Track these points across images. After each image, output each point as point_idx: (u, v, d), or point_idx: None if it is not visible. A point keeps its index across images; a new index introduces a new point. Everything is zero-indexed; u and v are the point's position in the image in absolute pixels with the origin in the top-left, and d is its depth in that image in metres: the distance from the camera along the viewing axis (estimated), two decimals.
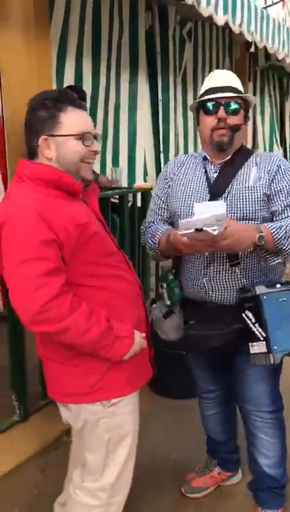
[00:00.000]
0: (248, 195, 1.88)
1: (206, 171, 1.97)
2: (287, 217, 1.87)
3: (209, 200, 1.89)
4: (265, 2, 4.75)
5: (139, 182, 3.45)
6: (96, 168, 4.51)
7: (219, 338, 1.90)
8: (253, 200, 1.87)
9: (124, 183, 4.55)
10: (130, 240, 3.12)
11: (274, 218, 1.90)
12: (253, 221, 1.86)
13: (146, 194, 3.29)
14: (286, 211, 1.88)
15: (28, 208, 1.45)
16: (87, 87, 4.37)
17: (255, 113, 6.74)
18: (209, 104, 1.88)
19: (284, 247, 1.81)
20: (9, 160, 2.87)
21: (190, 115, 5.79)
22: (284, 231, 1.80)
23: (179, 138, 5.61)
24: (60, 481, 1.96)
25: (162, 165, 5.33)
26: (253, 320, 1.82)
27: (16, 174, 1.60)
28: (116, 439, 1.68)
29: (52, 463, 2.42)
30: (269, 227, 1.80)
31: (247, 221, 1.86)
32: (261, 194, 1.87)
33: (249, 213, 1.87)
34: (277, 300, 1.83)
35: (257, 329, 1.81)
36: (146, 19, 4.88)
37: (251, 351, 1.83)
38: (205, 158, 2.00)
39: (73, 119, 1.55)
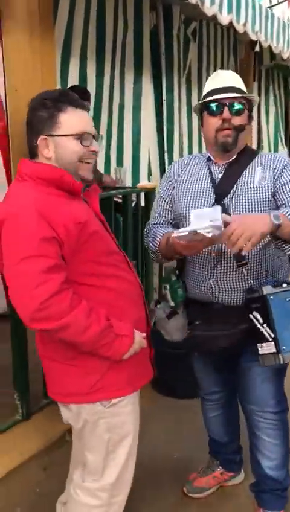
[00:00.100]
0: (254, 196, 1.87)
1: (210, 172, 1.97)
2: None
3: (215, 201, 1.88)
4: (270, 2, 4.73)
5: (143, 182, 3.45)
6: (101, 167, 4.52)
7: (225, 339, 1.89)
8: (259, 200, 1.87)
9: (128, 182, 4.55)
10: (133, 240, 3.12)
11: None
12: None
13: (149, 193, 3.29)
14: None
15: (29, 206, 1.46)
16: (91, 87, 4.37)
17: (260, 113, 6.72)
18: (214, 105, 1.87)
19: None
20: (13, 159, 2.88)
21: (195, 114, 5.78)
22: None
23: (183, 138, 5.61)
24: (62, 480, 1.97)
25: (166, 165, 5.33)
26: (261, 321, 1.81)
27: (17, 174, 1.61)
28: (117, 439, 1.68)
29: (55, 462, 2.43)
30: (282, 211, 1.75)
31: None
32: (267, 194, 1.87)
33: (255, 213, 1.85)
34: (284, 300, 1.81)
35: (265, 330, 1.80)
36: (151, 18, 4.88)
37: (260, 352, 1.82)
38: (209, 159, 1.99)
39: (72, 119, 1.56)
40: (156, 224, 2.10)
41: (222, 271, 1.89)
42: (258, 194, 1.87)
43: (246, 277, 1.87)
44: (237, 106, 1.87)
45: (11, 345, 2.39)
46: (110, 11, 4.39)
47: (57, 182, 1.54)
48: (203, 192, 1.94)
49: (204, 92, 1.95)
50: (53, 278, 1.43)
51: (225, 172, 1.94)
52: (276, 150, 7.18)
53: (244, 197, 1.87)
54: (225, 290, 1.90)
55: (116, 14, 4.48)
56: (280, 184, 1.87)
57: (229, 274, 1.88)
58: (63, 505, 1.87)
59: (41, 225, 1.44)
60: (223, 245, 1.83)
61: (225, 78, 1.94)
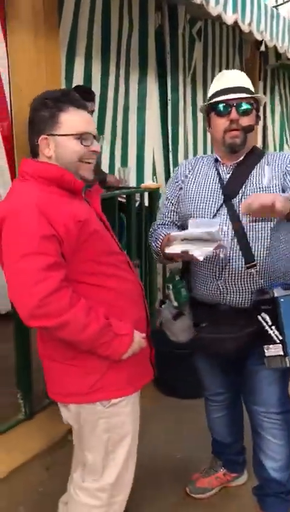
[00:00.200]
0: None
1: (218, 173, 1.95)
2: None
3: (223, 202, 1.87)
4: (276, 1, 4.72)
5: (147, 182, 3.45)
6: (105, 167, 4.52)
7: (232, 341, 1.88)
8: None
9: (133, 182, 4.56)
10: (137, 240, 3.12)
11: None
12: (269, 223, 1.84)
13: (153, 193, 3.28)
14: None
15: (29, 204, 1.46)
16: (96, 87, 4.38)
17: (265, 113, 6.71)
18: (221, 106, 1.85)
19: None
20: (17, 159, 2.89)
21: (200, 114, 5.77)
22: None
23: (188, 138, 5.61)
24: (65, 480, 1.96)
25: (171, 165, 5.33)
26: (269, 323, 1.80)
27: (19, 173, 1.62)
28: (116, 439, 1.68)
29: (58, 461, 2.43)
30: None
31: (262, 223, 1.84)
32: (277, 193, 1.83)
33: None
34: None
35: (273, 332, 1.79)
36: (156, 18, 4.88)
37: (266, 354, 1.81)
38: (216, 160, 1.98)
39: (73, 119, 1.56)
40: (160, 224, 2.09)
41: (231, 272, 1.86)
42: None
43: (255, 278, 1.85)
44: (244, 106, 1.85)
45: (14, 344, 2.39)
46: (115, 10, 4.39)
47: (58, 181, 1.55)
48: (211, 193, 1.93)
49: (210, 93, 1.93)
50: (52, 276, 1.44)
51: (233, 173, 1.92)
52: (281, 150, 7.17)
53: None
54: (233, 292, 1.88)
55: (121, 13, 4.48)
56: (288, 180, 1.84)
57: (238, 275, 1.86)
58: (65, 505, 1.87)
59: (42, 223, 1.44)
60: (231, 247, 1.83)
61: (231, 78, 1.91)
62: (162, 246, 1.96)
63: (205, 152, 5.95)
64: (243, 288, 1.87)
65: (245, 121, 1.86)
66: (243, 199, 1.85)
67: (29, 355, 2.41)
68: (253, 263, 1.83)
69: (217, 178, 1.94)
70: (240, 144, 1.87)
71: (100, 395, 1.61)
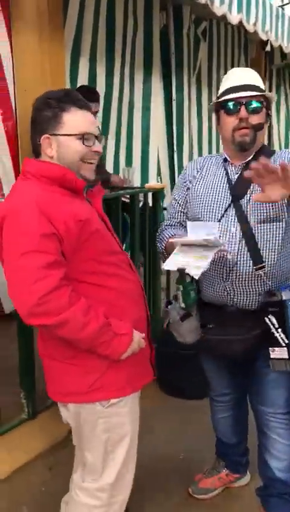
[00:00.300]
0: None
1: (227, 173, 1.93)
2: None
3: (231, 202, 1.85)
4: (282, 1, 4.71)
5: (151, 182, 3.45)
6: (110, 167, 4.53)
7: (239, 343, 1.86)
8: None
9: (137, 182, 4.56)
10: (140, 240, 3.12)
11: None
12: (277, 223, 1.82)
13: (157, 194, 3.28)
14: None
15: (30, 203, 1.47)
16: (100, 87, 4.38)
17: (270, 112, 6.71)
18: (230, 104, 1.83)
19: None
20: (22, 158, 2.90)
21: (204, 114, 5.79)
22: None
23: (193, 137, 5.60)
24: (67, 479, 1.96)
25: (176, 165, 5.33)
26: (276, 326, 1.79)
27: (21, 172, 1.63)
28: (115, 439, 1.68)
29: (61, 461, 2.43)
30: None
31: (270, 224, 1.82)
32: None
33: (272, 215, 1.81)
34: None
35: (279, 335, 1.78)
36: (161, 18, 4.88)
37: (271, 356, 1.80)
38: (225, 160, 1.96)
39: (75, 119, 1.56)
40: (168, 225, 2.09)
41: (238, 274, 1.84)
42: None
43: (263, 280, 1.83)
44: (254, 104, 1.82)
45: (18, 344, 2.40)
46: (120, 11, 4.40)
47: (60, 180, 1.55)
48: (218, 193, 1.91)
49: (220, 91, 1.92)
50: (52, 274, 1.44)
51: (241, 173, 1.89)
52: (287, 148, 7.15)
53: None
54: (241, 294, 1.86)
55: (126, 14, 4.48)
56: None
57: (246, 277, 1.84)
58: (67, 504, 1.88)
59: (42, 221, 1.45)
60: (239, 249, 1.81)
61: (241, 76, 1.89)
62: (166, 249, 1.96)
63: (210, 152, 5.94)
64: (251, 290, 1.85)
65: (255, 119, 1.83)
66: (250, 200, 1.83)
67: (32, 355, 2.41)
68: (262, 265, 1.81)
69: (226, 178, 1.92)
70: (249, 142, 1.84)
71: (99, 395, 1.61)
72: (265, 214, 1.82)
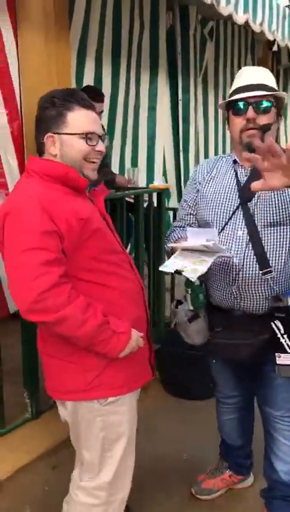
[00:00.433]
0: (278, 200, 1.79)
1: (236, 175, 1.90)
2: None
3: (239, 205, 1.84)
4: (289, 0, 4.69)
5: (156, 182, 3.45)
6: (115, 168, 4.53)
7: (246, 348, 1.85)
8: (284, 204, 1.79)
9: (143, 182, 4.56)
10: (145, 240, 3.12)
11: None
12: (285, 227, 1.79)
13: (162, 194, 3.28)
14: None
15: (32, 200, 1.48)
16: (106, 87, 4.39)
17: None
18: (238, 104, 1.80)
19: None
20: (27, 157, 2.90)
21: (211, 114, 5.78)
22: None
23: (199, 138, 5.60)
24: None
25: (182, 165, 5.33)
26: (282, 331, 1.78)
27: (24, 170, 1.64)
28: (113, 437, 1.69)
29: (64, 461, 2.43)
30: None
31: (278, 227, 1.79)
32: None
33: (280, 218, 1.79)
34: None
35: (285, 341, 1.77)
36: (167, 19, 4.89)
37: (277, 362, 1.79)
38: (235, 161, 1.93)
39: (79, 119, 1.57)
40: (177, 227, 2.08)
41: (245, 278, 1.82)
42: (284, 198, 1.79)
43: (270, 285, 1.81)
44: (262, 104, 1.77)
45: (21, 344, 2.40)
46: (126, 11, 4.40)
47: (63, 179, 1.56)
48: (227, 196, 1.89)
49: (230, 90, 1.89)
50: (52, 271, 1.45)
51: (250, 175, 1.86)
52: None
53: (269, 201, 1.80)
54: (248, 298, 1.85)
55: (132, 14, 4.49)
56: None
57: (252, 281, 1.82)
58: (68, 504, 1.88)
59: (44, 219, 1.46)
60: (245, 253, 1.80)
61: (250, 75, 1.85)
62: (173, 250, 1.95)
63: (216, 152, 5.94)
64: (257, 294, 1.83)
65: (263, 120, 1.78)
66: (259, 202, 1.81)
67: (36, 355, 2.42)
68: (269, 270, 1.79)
69: (235, 180, 1.89)
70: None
71: (97, 393, 1.62)
72: (273, 218, 1.79)
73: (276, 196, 1.80)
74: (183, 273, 1.64)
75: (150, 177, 4.93)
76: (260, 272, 1.79)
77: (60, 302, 1.45)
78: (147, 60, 4.77)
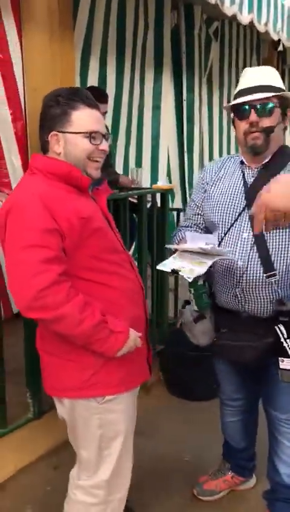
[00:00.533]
0: None
1: (244, 176, 1.89)
2: None
3: (245, 206, 1.83)
4: None
5: (159, 183, 3.45)
6: (119, 168, 4.53)
7: (251, 350, 1.84)
8: None
9: (147, 183, 4.55)
10: (148, 240, 3.11)
11: None
12: None
13: (165, 194, 3.28)
14: None
15: (34, 197, 1.49)
16: (111, 87, 4.39)
17: None
18: (240, 108, 1.79)
19: None
20: (31, 158, 2.90)
21: (215, 114, 5.77)
22: None
23: (203, 138, 5.59)
24: None
25: (186, 165, 5.32)
26: (285, 336, 1.77)
27: (28, 168, 1.65)
28: (110, 435, 1.69)
29: (65, 461, 2.43)
30: None
31: (283, 230, 1.77)
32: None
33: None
34: None
35: (288, 346, 1.76)
36: (171, 18, 4.88)
37: (281, 366, 1.79)
38: (242, 162, 1.92)
39: (84, 118, 1.58)
40: (184, 227, 2.08)
41: (249, 280, 1.81)
42: None
43: (274, 288, 1.80)
44: (264, 107, 1.76)
45: (24, 344, 2.40)
46: (130, 11, 4.40)
47: (66, 177, 1.57)
48: (233, 197, 1.88)
49: (234, 93, 1.88)
50: (52, 269, 1.46)
51: (257, 176, 1.86)
52: None
53: None
54: (251, 301, 1.84)
55: (136, 14, 4.48)
56: None
57: (256, 284, 1.81)
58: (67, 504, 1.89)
59: (45, 216, 1.47)
60: (250, 255, 1.79)
61: (252, 76, 1.83)
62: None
63: (220, 152, 5.93)
64: (261, 297, 1.82)
65: (266, 122, 1.77)
66: None
67: (38, 355, 2.42)
68: (273, 273, 1.77)
69: (242, 182, 1.88)
70: (261, 145, 1.80)
71: (95, 391, 1.63)
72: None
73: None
74: (180, 272, 1.64)
75: (154, 177, 4.93)
76: (264, 274, 1.78)
77: (59, 300, 1.46)
78: (151, 60, 4.76)
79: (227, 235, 1.86)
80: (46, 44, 2.87)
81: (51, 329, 1.56)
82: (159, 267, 1.73)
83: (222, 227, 1.88)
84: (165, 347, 3.31)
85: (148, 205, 3.20)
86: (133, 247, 3.85)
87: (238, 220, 1.85)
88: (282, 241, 1.78)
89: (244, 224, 1.83)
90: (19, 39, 3.15)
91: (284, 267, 1.79)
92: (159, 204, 3.28)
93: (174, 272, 1.66)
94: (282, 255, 1.79)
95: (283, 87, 1.83)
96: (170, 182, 5.04)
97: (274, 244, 1.79)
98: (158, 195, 3.25)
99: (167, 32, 4.83)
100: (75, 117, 1.57)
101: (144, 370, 1.80)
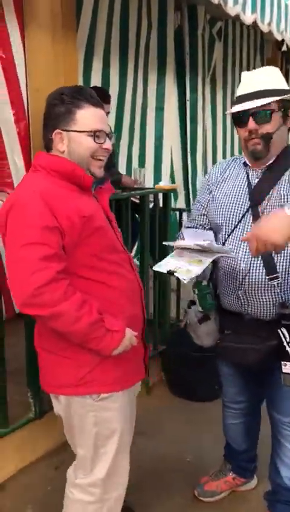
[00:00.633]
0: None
1: (248, 177, 1.89)
2: None
3: (249, 208, 1.83)
4: None
5: (162, 183, 3.44)
6: (122, 168, 4.53)
7: (254, 353, 1.83)
8: None
9: (150, 183, 4.55)
10: (150, 240, 3.12)
11: None
12: None
13: (167, 194, 3.28)
14: None
15: (35, 195, 1.50)
16: (114, 88, 4.39)
17: None
18: (238, 117, 1.79)
19: None
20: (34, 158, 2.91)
21: (219, 115, 5.76)
22: None
23: (207, 138, 5.58)
24: None
25: (189, 166, 5.31)
26: (288, 339, 1.77)
27: (32, 165, 1.66)
28: (105, 433, 1.70)
29: (66, 461, 2.42)
30: None
31: (287, 202, 1.76)
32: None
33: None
34: None
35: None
36: (175, 18, 4.87)
37: (283, 370, 1.78)
38: (245, 164, 1.92)
39: (88, 116, 1.59)
40: (188, 227, 2.08)
41: (251, 283, 1.81)
42: None
43: (276, 291, 1.79)
44: (261, 114, 1.75)
45: (25, 344, 2.41)
46: (133, 11, 4.40)
47: (69, 175, 1.58)
48: (237, 198, 1.88)
49: (233, 99, 1.88)
50: (50, 267, 1.47)
51: (261, 178, 1.85)
52: None
53: (277, 205, 1.77)
54: (254, 303, 1.84)
55: (140, 14, 4.48)
56: None
57: (258, 287, 1.80)
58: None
59: (46, 214, 1.48)
60: (252, 257, 1.78)
61: (248, 82, 1.80)
62: None
63: (224, 153, 5.92)
64: (264, 300, 1.82)
65: (265, 129, 1.77)
66: (268, 206, 1.80)
67: None
68: (275, 275, 1.77)
69: (246, 183, 1.88)
70: (261, 151, 1.80)
71: (89, 389, 1.64)
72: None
73: (284, 200, 1.78)
74: (175, 273, 1.65)
75: (157, 178, 4.92)
76: (267, 277, 1.77)
77: (56, 297, 1.47)
78: (154, 60, 4.76)
79: (230, 237, 1.86)
80: (49, 45, 2.88)
81: (48, 326, 1.57)
82: (155, 268, 1.73)
83: (226, 228, 1.88)
84: (167, 347, 3.31)
85: (151, 205, 3.20)
86: (135, 247, 3.85)
87: (242, 222, 1.84)
88: None
89: (248, 225, 1.82)
90: (22, 40, 3.16)
91: (287, 269, 1.79)
92: (161, 205, 3.28)
93: (170, 273, 1.66)
94: (285, 258, 1.78)
95: (285, 87, 1.80)
96: (173, 182, 5.04)
97: None
98: (160, 196, 3.26)
99: (170, 33, 4.82)
100: (80, 116, 1.58)
101: (140, 369, 1.80)
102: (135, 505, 2.18)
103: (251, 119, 1.76)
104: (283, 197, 1.78)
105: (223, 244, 1.85)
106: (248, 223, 1.83)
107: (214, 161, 5.73)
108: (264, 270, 1.79)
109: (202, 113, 5.39)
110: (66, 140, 1.59)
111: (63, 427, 1.79)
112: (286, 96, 1.77)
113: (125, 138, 4.65)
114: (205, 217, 2.02)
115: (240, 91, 1.81)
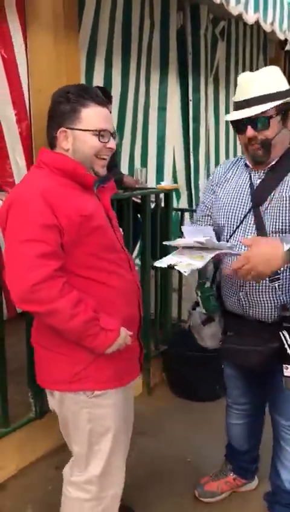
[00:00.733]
0: (288, 206, 1.76)
1: (250, 178, 1.88)
2: None
3: (251, 208, 1.82)
4: None
5: (163, 183, 3.45)
6: (125, 168, 4.53)
7: (256, 355, 1.83)
8: None
9: (152, 183, 4.55)
10: (151, 240, 3.11)
11: None
12: None
13: (169, 194, 3.27)
14: None
15: (36, 192, 1.51)
16: (116, 88, 4.39)
17: None
18: (236, 124, 1.79)
19: None
20: (35, 157, 2.91)
21: (221, 114, 5.75)
22: None
23: (209, 138, 5.58)
24: None
25: (192, 166, 5.30)
26: (289, 342, 1.77)
27: (36, 161, 1.67)
28: (100, 431, 1.70)
29: (67, 461, 2.40)
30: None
31: (284, 234, 1.75)
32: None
33: (286, 226, 1.75)
34: None
35: None
36: (177, 18, 4.86)
37: (285, 373, 1.78)
38: (247, 165, 1.92)
39: (93, 115, 1.59)
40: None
41: (252, 285, 1.80)
42: None
43: (277, 293, 1.79)
44: (259, 122, 1.73)
45: (26, 343, 2.41)
46: (136, 11, 4.39)
47: (71, 174, 1.59)
48: (239, 199, 1.87)
49: (232, 104, 1.87)
50: (48, 264, 1.48)
51: (264, 178, 1.85)
52: None
53: (278, 206, 1.77)
54: (255, 305, 1.83)
55: (142, 14, 4.48)
56: None
57: (260, 288, 1.80)
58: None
59: (46, 212, 1.49)
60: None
61: (247, 87, 1.77)
62: None
63: (226, 152, 5.91)
64: (265, 302, 1.81)
65: (264, 135, 1.75)
66: (269, 207, 1.79)
67: None
68: (276, 277, 1.76)
69: (248, 183, 1.88)
70: (261, 155, 1.79)
71: (83, 385, 1.64)
72: (282, 224, 1.76)
73: (285, 202, 1.76)
74: (176, 267, 1.65)
75: (159, 178, 4.92)
76: (268, 278, 1.76)
77: (53, 294, 1.48)
78: (157, 60, 4.76)
79: (232, 238, 1.85)
80: (51, 46, 2.89)
81: (44, 323, 1.59)
82: (157, 264, 1.73)
83: (228, 229, 1.88)
84: (168, 347, 3.30)
85: (152, 205, 3.20)
86: (137, 247, 3.85)
87: (244, 223, 1.84)
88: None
89: (249, 226, 1.82)
90: (24, 40, 3.16)
91: (288, 271, 1.79)
92: (163, 205, 3.28)
93: (171, 267, 1.66)
94: None
95: (286, 87, 1.78)
96: (176, 182, 5.04)
97: None
98: (162, 196, 3.25)
99: (172, 33, 4.82)
100: (85, 114, 1.58)
101: (135, 368, 1.81)
102: (135, 505, 2.18)
103: (249, 127, 1.75)
104: (284, 199, 1.77)
105: None
106: (250, 224, 1.82)
107: (217, 161, 5.72)
108: None
109: (205, 113, 5.38)
110: (70, 139, 1.59)
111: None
112: (284, 100, 1.75)
113: (128, 138, 4.65)
114: (209, 217, 2.02)
115: (237, 96, 1.79)
